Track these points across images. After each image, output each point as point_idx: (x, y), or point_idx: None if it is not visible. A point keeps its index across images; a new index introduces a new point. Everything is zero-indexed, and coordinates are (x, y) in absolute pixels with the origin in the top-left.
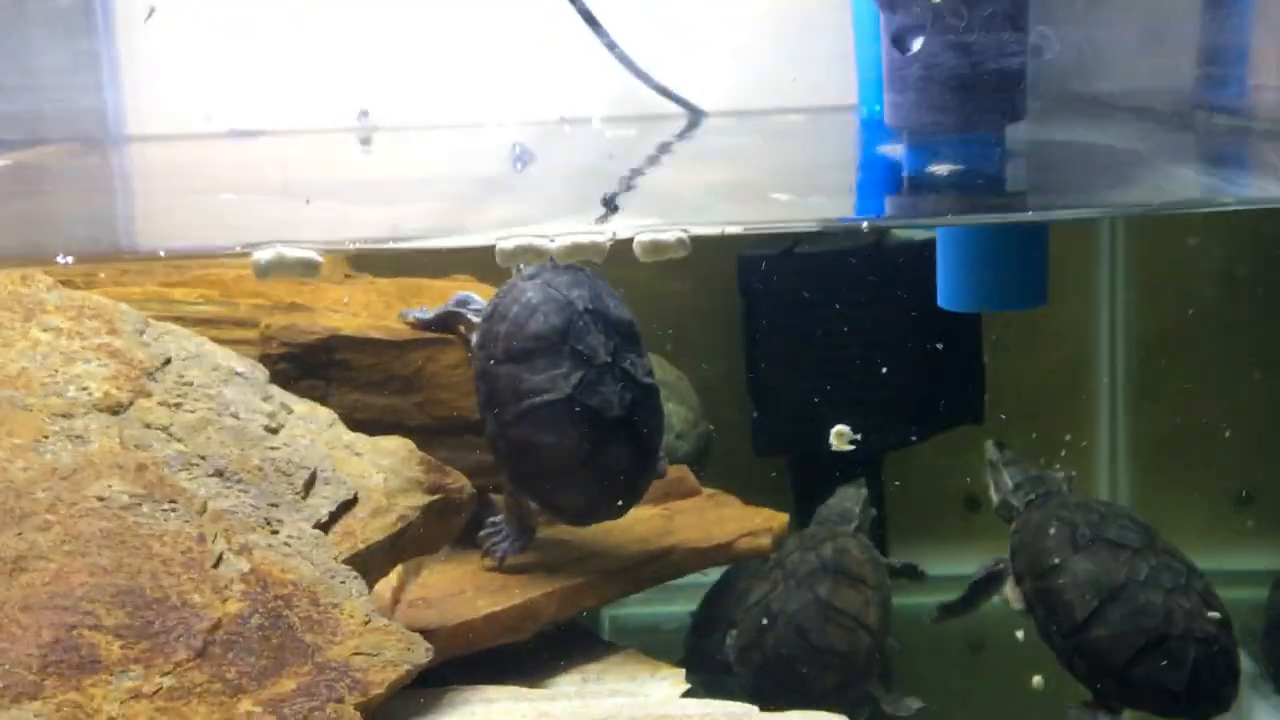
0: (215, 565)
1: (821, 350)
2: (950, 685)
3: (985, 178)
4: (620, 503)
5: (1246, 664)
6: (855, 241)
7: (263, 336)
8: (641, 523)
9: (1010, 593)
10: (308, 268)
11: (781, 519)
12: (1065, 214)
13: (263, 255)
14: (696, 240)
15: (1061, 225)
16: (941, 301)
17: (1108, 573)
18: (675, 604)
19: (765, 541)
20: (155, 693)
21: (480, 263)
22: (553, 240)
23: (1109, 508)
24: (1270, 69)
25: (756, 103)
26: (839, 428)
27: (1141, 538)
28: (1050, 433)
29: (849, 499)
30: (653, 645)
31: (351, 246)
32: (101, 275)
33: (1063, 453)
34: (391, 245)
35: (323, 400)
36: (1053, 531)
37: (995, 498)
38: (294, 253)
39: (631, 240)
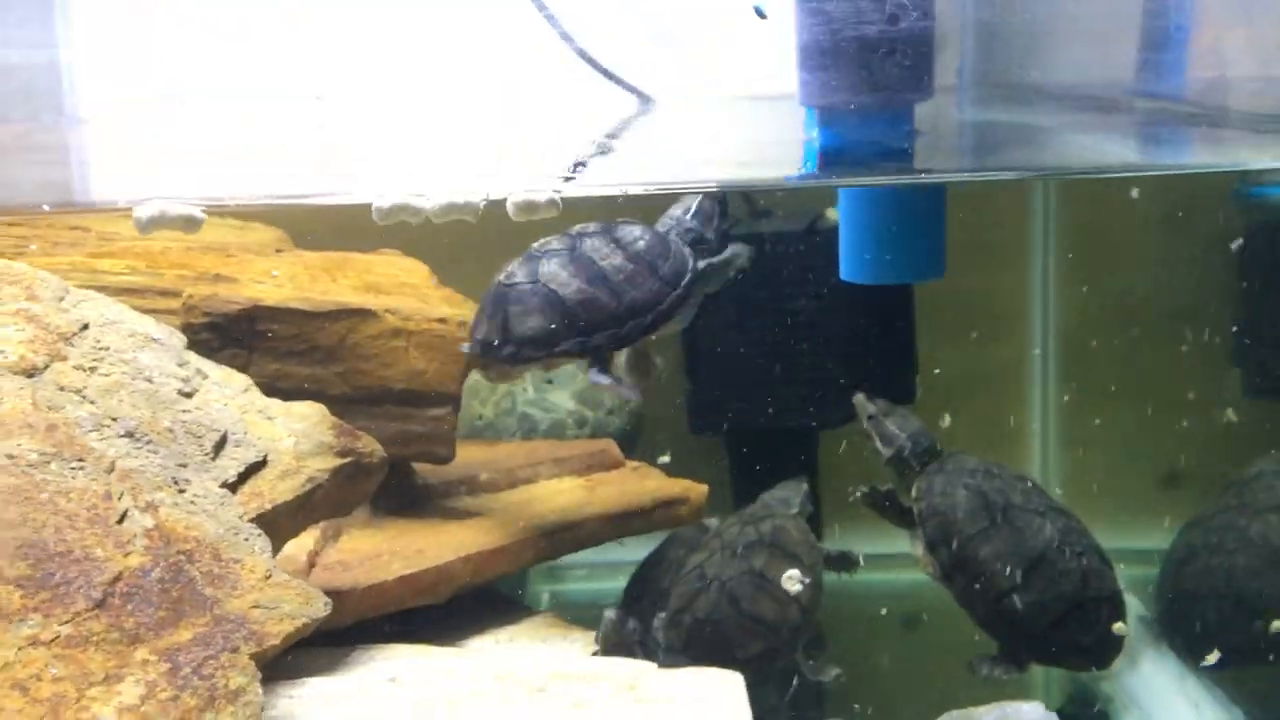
0: (120, 521)
1: (757, 329)
2: (882, 659)
3: (890, 151)
4: None
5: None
6: (790, 224)
7: (185, 306)
8: (563, 493)
9: (923, 559)
10: (189, 223)
11: (701, 489)
12: (955, 177)
13: (144, 211)
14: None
15: (960, 192)
16: (843, 274)
17: (1025, 541)
18: (618, 580)
19: (683, 511)
20: (53, 640)
21: (408, 237)
22: (427, 200)
23: (1001, 469)
24: (1207, 57)
25: (704, 90)
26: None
27: (1041, 500)
28: (983, 413)
29: (791, 490)
30: (592, 620)
31: (231, 203)
32: (33, 248)
33: (994, 431)
34: (266, 201)
35: (244, 369)
36: (963, 499)
37: (885, 450)
38: (176, 209)
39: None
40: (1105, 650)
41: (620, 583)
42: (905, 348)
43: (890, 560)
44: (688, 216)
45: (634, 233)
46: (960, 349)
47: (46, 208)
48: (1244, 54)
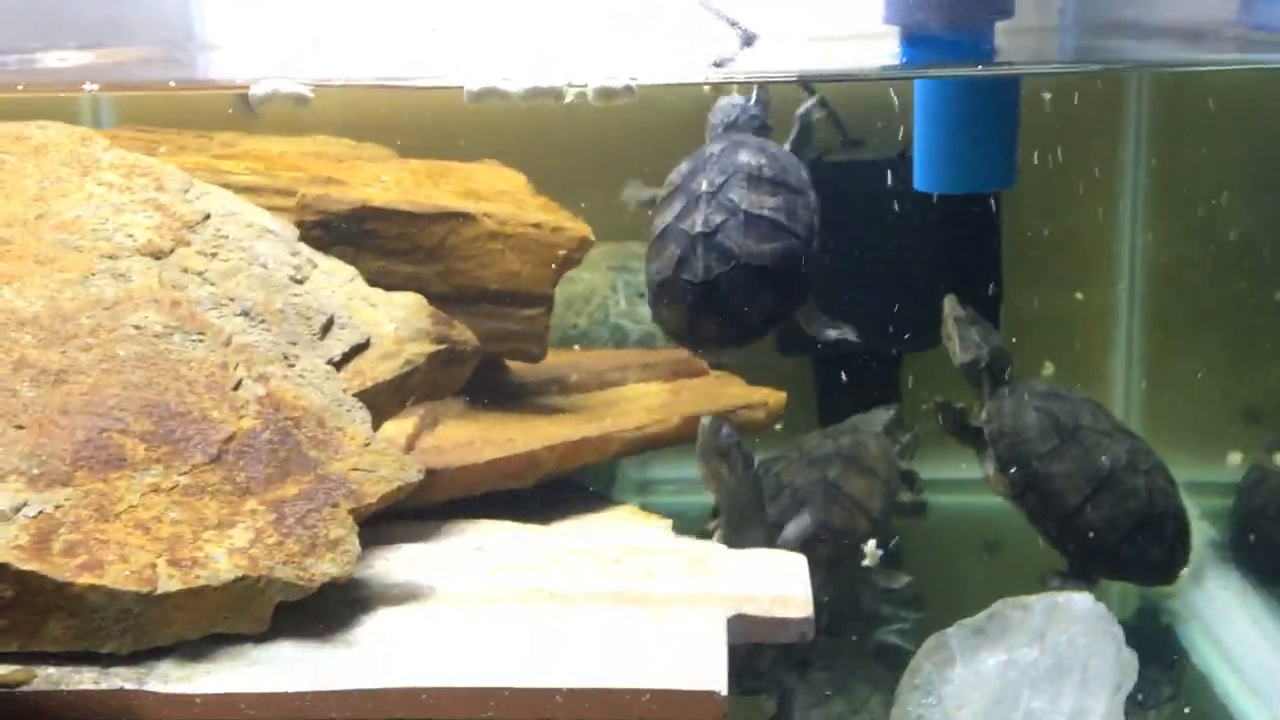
0: (235, 389)
1: (846, 254)
2: (957, 576)
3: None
4: None
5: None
6: (881, 153)
7: (299, 204)
8: (648, 395)
9: (994, 479)
10: (299, 101)
11: (780, 396)
12: (1035, 68)
13: (258, 89)
14: None
15: (1050, 129)
16: (917, 184)
17: (1094, 460)
18: (706, 495)
19: (761, 415)
20: (172, 489)
21: (502, 146)
22: (514, 84)
23: (1069, 392)
24: None
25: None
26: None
27: (1109, 422)
28: (1067, 346)
29: (881, 412)
30: (678, 528)
31: (338, 83)
32: (162, 150)
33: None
34: (370, 83)
35: (352, 264)
36: (1034, 419)
37: (963, 355)
38: (287, 87)
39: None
40: (1171, 565)
41: (708, 497)
42: (991, 276)
43: (972, 485)
44: (753, 104)
45: (767, 163)
46: (1047, 285)
47: (172, 83)
48: None
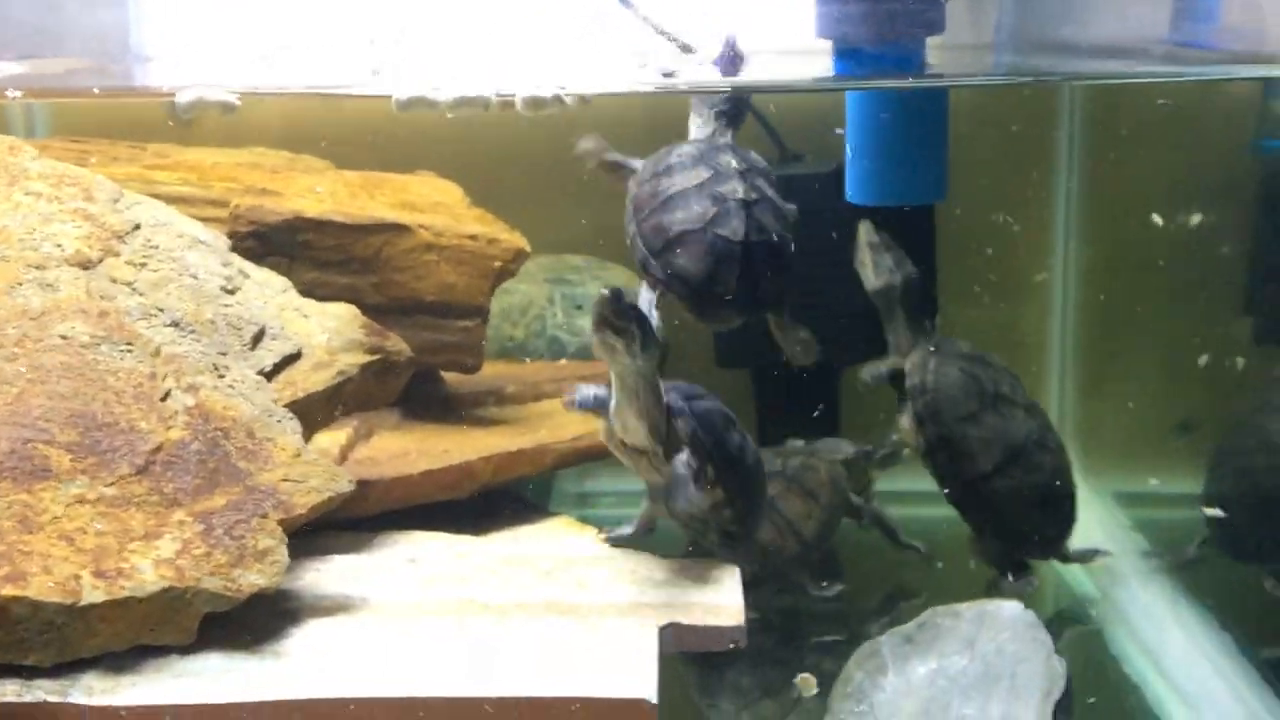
0: (163, 399)
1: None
2: (898, 583)
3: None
4: None
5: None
6: (817, 167)
7: (232, 215)
8: None
9: (907, 431)
10: (225, 108)
11: None
12: (967, 81)
13: (184, 96)
14: None
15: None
16: (848, 196)
17: (1008, 431)
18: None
19: None
20: (98, 500)
21: (443, 160)
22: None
23: (992, 358)
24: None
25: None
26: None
27: (1023, 396)
28: (1003, 353)
29: (846, 445)
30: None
31: (266, 91)
32: (93, 160)
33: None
34: (298, 90)
35: (286, 277)
36: (957, 380)
37: (875, 280)
38: (214, 95)
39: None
40: (1061, 541)
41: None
42: (926, 289)
43: (914, 497)
44: (721, 122)
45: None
46: (981, 299)
47: (96, 90)
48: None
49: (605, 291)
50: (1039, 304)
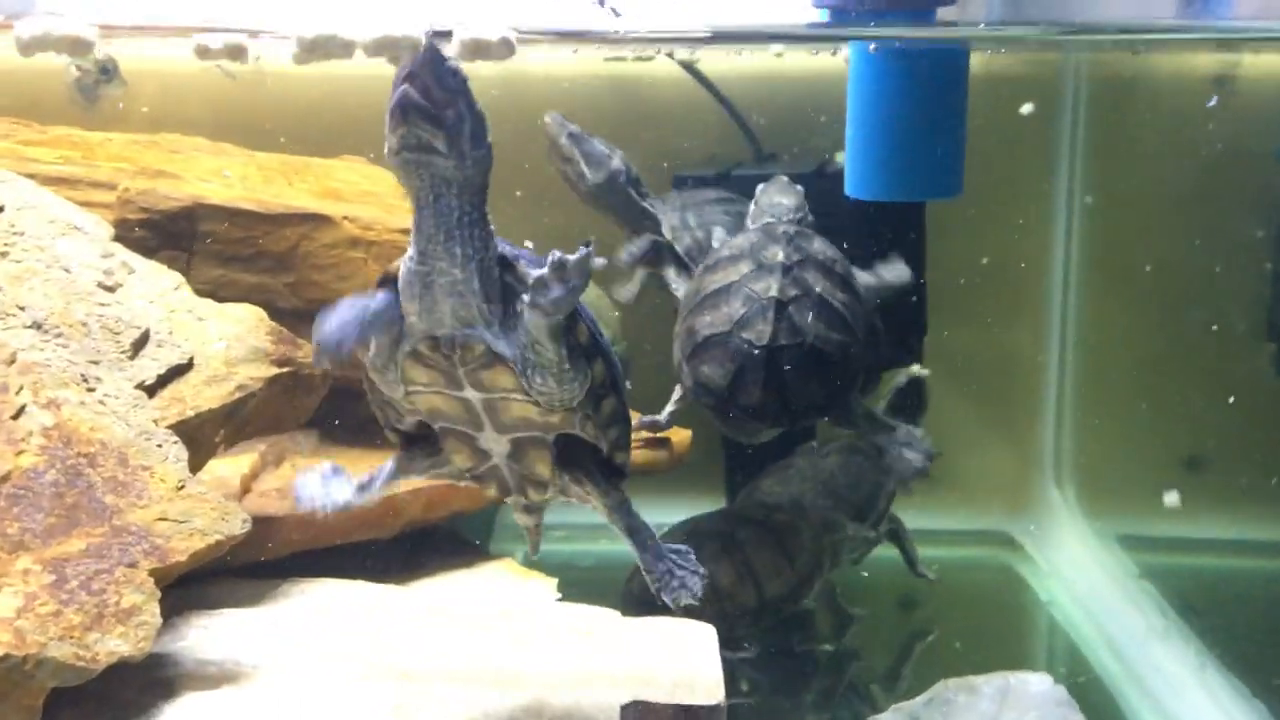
0: (15, 417)
1: None
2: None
3: None
4: None
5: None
6: (797, 167)
7: (120, 200)
8: None
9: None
10: (77, 46)
11: (684, 434)
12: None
13: (25, 28)
14: None
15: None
16: (849, 189)
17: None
18: (599, 543)
19: (663, 456)
20: None
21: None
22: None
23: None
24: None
25: None
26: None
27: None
28: (994, 386)
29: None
30: (565, 584)
31: (135, 25)
32: None
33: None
34: (181, 26)
35: (184, 274)
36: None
37: (594, 174)
38: (63, 27)
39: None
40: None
41: (601, 546)
42: (913, 305)
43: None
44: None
45: (838, 258)
46: (973, 320)
47: None
48: None
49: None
50: (1034, 328)
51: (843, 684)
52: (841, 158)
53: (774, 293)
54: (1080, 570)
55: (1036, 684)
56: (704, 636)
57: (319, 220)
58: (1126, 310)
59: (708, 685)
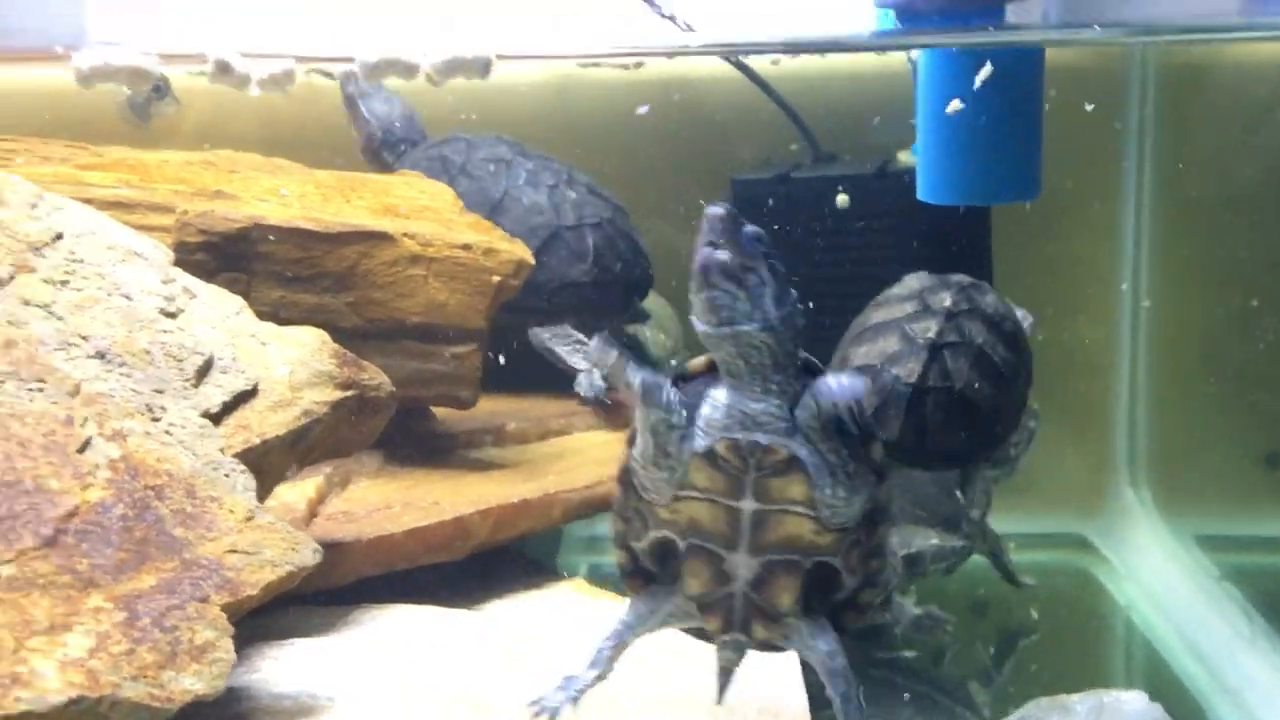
0: (81, 450)
1: (818, 277)
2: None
3: None
4: None
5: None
6: (859, 168)
7: (178, 223)
8: (598, 446)
9: None
10: (136, 77)
11: None
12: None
13: (84, 60)
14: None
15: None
16: (923, 194)
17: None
18: None
19: None
20: None
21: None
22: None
23: None
24: None
25: None
26: None
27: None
28: (1067, 384)
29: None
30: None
31: (198, 53)
32: (19, 160)
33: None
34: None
35: (245, 297)
36: None
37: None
38: (121, 58)
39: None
40: None
41: None
42: None
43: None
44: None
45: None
46: (1041, 320)
47: None
48: None
49: (714, 208)
50: (1106, 323)
51: (929, 694)
52: (904, 157)
53: (931, 335)
54: (1158, 573)
55: (1131, 702)
56: (788, 662)
57: (378, 238)
58: (1199, 307)
59: (794, 712)
